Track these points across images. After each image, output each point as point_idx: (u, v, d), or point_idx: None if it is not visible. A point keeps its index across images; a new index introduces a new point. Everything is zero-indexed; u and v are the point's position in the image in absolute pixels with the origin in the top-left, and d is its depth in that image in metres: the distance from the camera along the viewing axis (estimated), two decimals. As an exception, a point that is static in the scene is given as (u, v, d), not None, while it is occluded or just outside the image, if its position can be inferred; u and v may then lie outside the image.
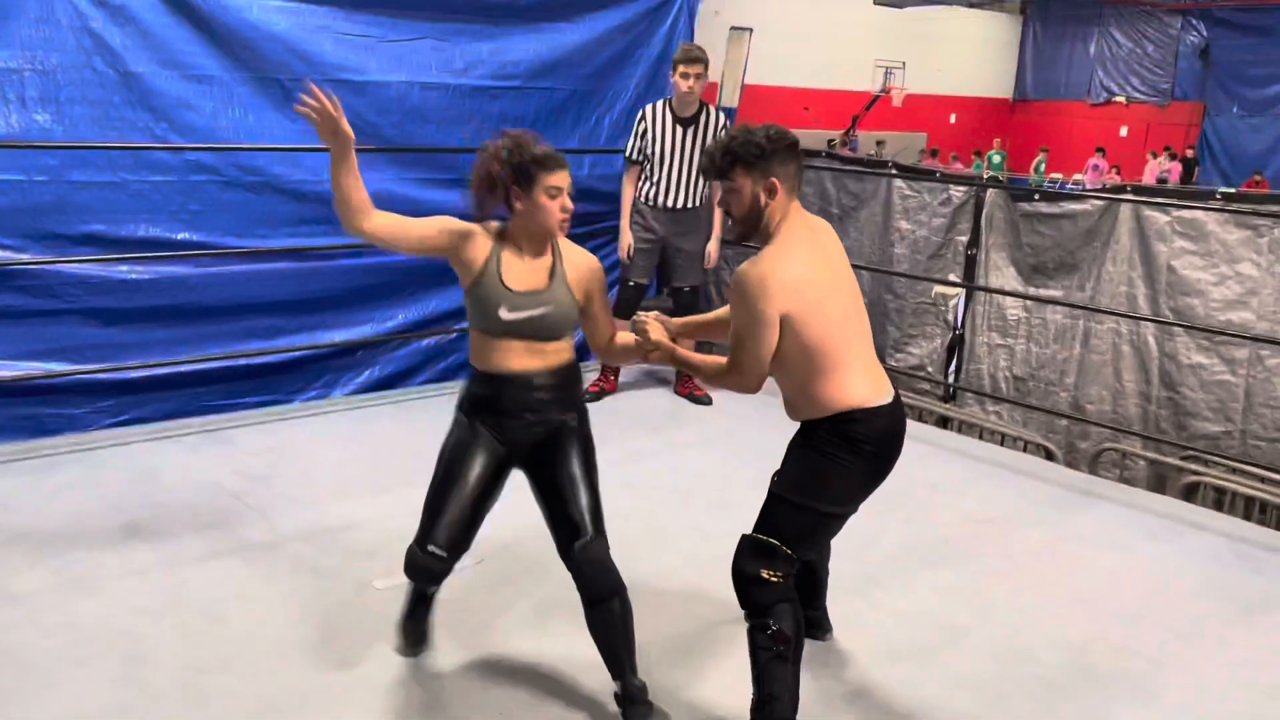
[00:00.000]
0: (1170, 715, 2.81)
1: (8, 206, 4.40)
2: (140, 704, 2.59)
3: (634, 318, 2.76)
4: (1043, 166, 21.19)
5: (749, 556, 2.52)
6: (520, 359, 2.61)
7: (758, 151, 2.48)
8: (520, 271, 2.63)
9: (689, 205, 5.16)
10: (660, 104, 5.16)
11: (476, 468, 2.62)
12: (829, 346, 2.47)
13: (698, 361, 2.72)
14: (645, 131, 5.13)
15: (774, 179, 2.49)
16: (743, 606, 2.53)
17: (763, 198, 2.50)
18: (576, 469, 2.65)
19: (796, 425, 2.65)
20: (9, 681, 2.63)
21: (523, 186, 2.60)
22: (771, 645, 2.46)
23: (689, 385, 5.32)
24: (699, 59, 4.95)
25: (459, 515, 2.59)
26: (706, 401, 5.23)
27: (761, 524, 2.56)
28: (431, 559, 2.55)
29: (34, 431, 4.53)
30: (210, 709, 2.59)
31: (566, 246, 2.74)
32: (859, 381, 2.51)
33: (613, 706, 2.64)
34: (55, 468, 4.04)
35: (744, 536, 2.57)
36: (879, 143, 22.15)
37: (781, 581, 2.49)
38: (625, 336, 2.81)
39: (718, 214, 5.26)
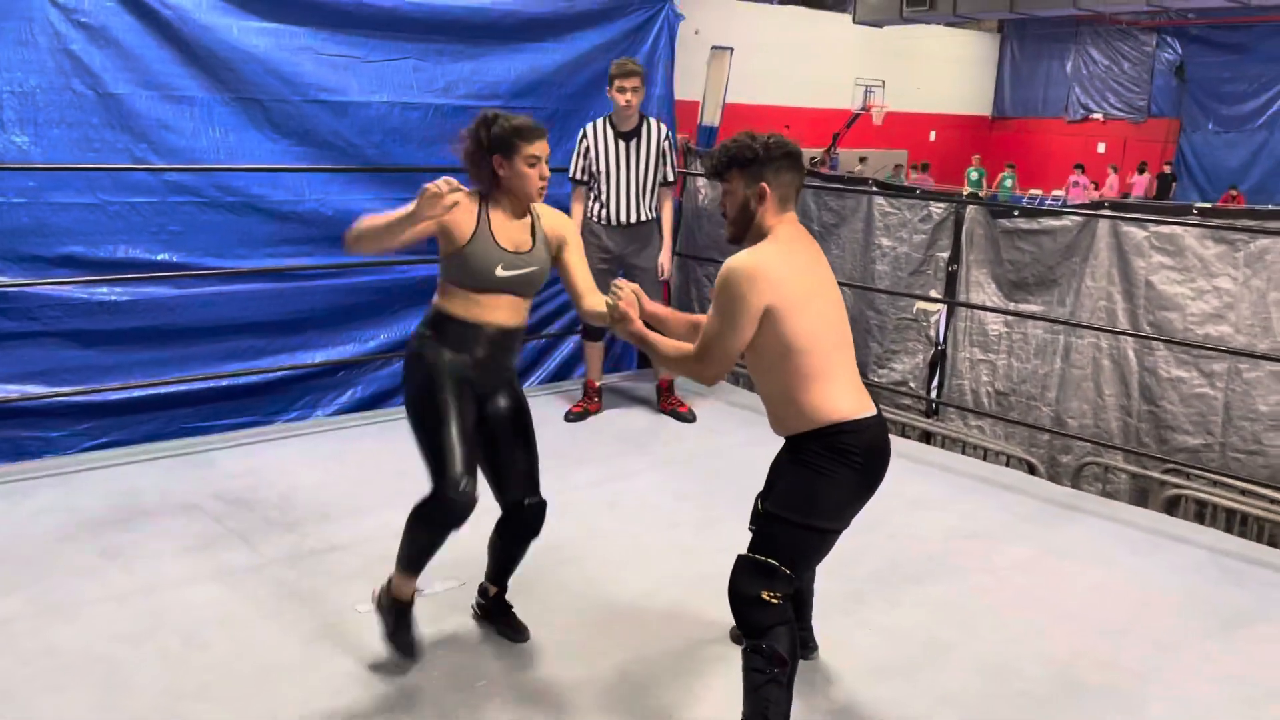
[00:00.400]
0: (1155, 729, 2.81)
1: (-15, 229, 4.37)
2: (118, 732, 2.55)
3: (612, 284, 2.81)
4: (1009, 182, 21.38)
5: (748, 577, 2.50)
6: (506, 314, 2.84)
7: (752, 156, 2.55)
8: (509, 232, 2.86)
9: (641, 219, 5.19)
10: (600, 121, 5.17)
11: (465, 404, 2.79)
12: (812, 352, 2.48)
13: (656, 341, 2.73)
14: (588, 150, 5.14)
15: (764, 184, 2.54)
16: (740, 628, 2.51)
17: (753, 202, 2.56)
18: (529, 427, 2.94)
19: (780, 441, 2.65)
20: (-16, 710, 2.60)
21: (505, 155, 2.81)
22: (767, 668, 2.44)
23: (671, 402, 5.32)
24: (634, 72, 4.96)
25: (467, 447, 2.73)
26: (690, 419, 5.23)
27: (759, 544, 2.54)
28: (463, 495, 2.69)
29: (11, 454, 4.48)
30: (190, 736, 2.55)
31: (539, 208, 2.97)
32: (843, 393, 2.52)
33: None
34: (33, 491, 4.00)
35: (741, 557, 2.55)
36: (861, 159, 22.32)
37: (780, 603, 2.48)
38: (597, 301, 2.91)
39: (667, 226, 5.31)
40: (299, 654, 2.95)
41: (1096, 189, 20.72)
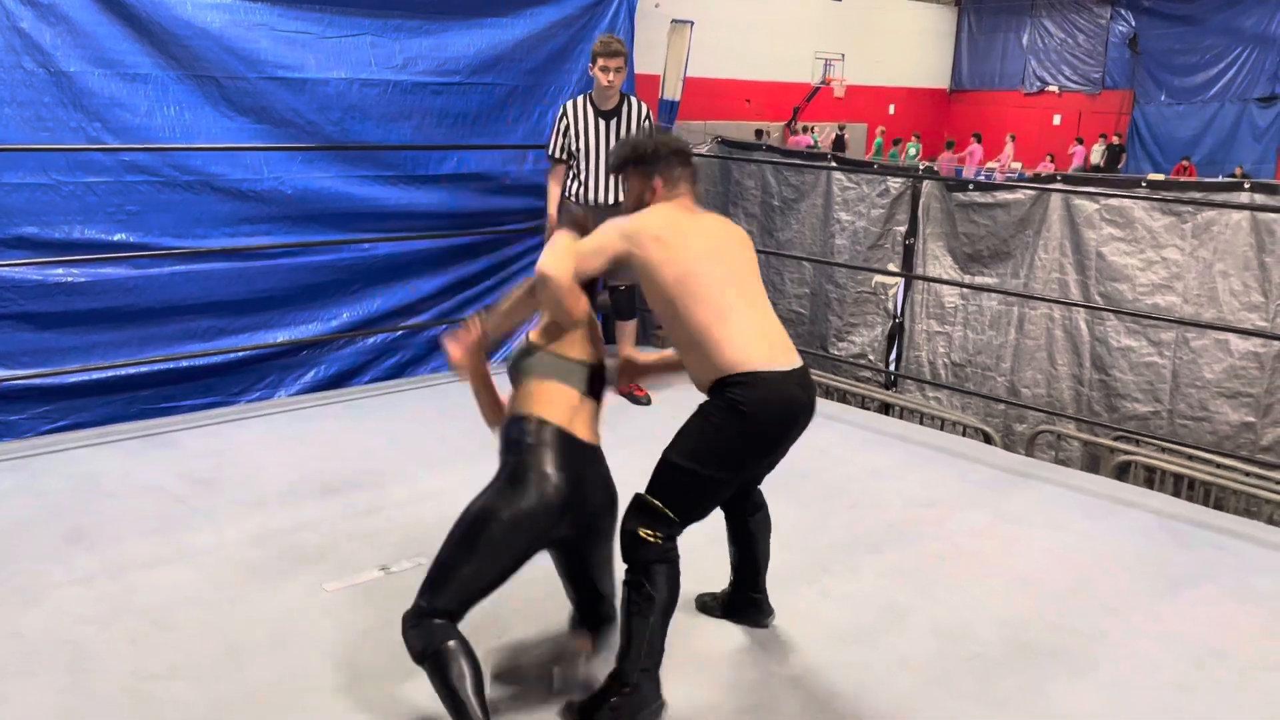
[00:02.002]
0: (1105, 687, 2.92)
1: (-64, 211, 4.30)
2: (90, 713, 2.57)
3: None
4: (913, 151, 21.71)
5: (633, 515, 2.66)
6: None
7: (645, 154, 2.84)
8: None
9: (619, 200, 5.17)
10: (581, 99, 5.11)
11: None
12: (703, 304, 2.63)
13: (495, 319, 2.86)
14: (568, 128, 5.09)
15: (657, 179, 2.81)
16: (624, 561, 2.64)
17: (647, 195, 2.83)
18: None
19: None
20: (-48, 695, 2.60)
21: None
22: (638, 602, 2.57)
23: (629, 386, 5.34)
24: (619, 52, 4.89)
25: None
26: (645, 402, 5.26)
27: (649, 485, 2.69)
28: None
29: (-31, 439, 4.44)
30: (161, 714, 2.57)
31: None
32: (741, 346, 2.63)
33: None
34: (-7, 476, 3.97)
35: (635, 495, 2.69)
36: (841, 128, 22.39)
37: (660, 542, 2.61)
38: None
39: None
40: (268, 633, 2.97)
41: (1052, 162, 20.99)
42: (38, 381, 4.65)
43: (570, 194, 5.22)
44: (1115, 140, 22.93)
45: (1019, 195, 5.48)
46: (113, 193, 4.77)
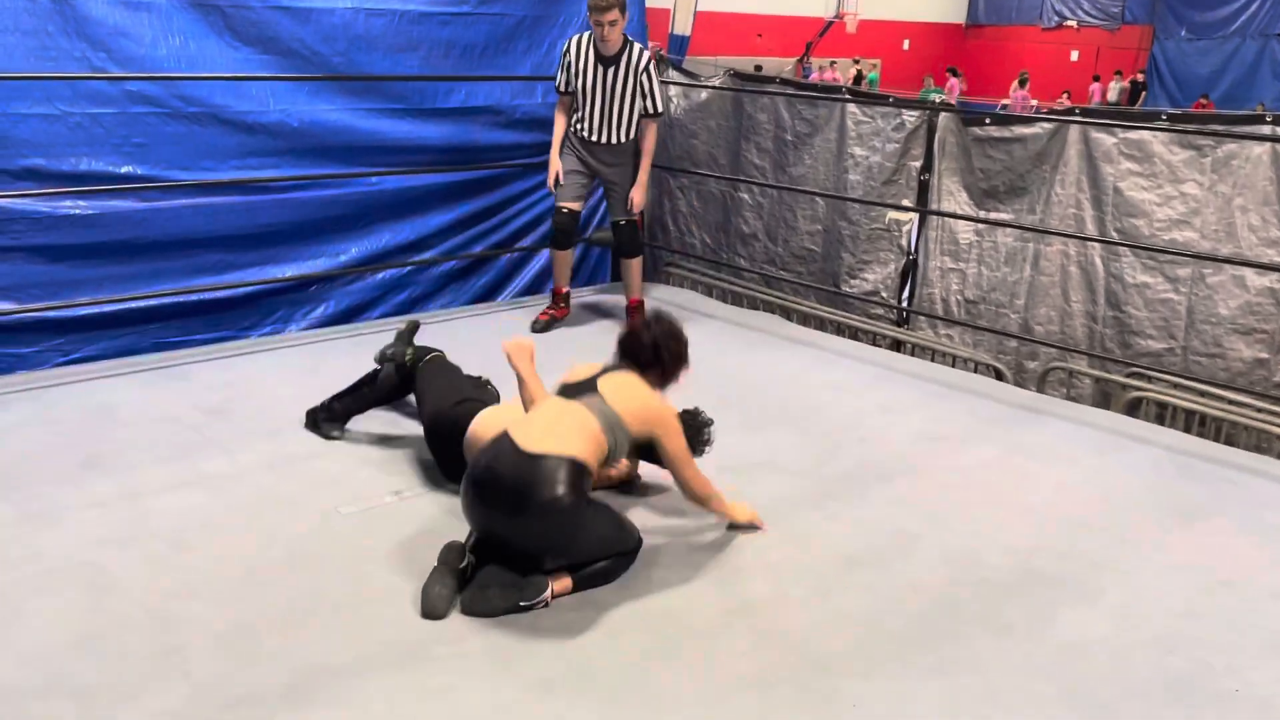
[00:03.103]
0: (1111, 613, 2.94)
1: (-58, 140, 4.28)
2: (111, 631, 2.61)
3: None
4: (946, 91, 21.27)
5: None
6: None
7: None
8: None
9: (616, 142, 5.14)
10: (586, 37, 5.03)
11: None
12: None
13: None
14: (569, 65, 5.04)
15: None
16: None
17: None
18: None
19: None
20: (-25, 613, 2.64)
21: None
22: None
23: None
24: (610, 6, 4.76)
25: None
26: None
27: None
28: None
29: (-17, 370, 4.47)
30: (181, 633, 2.61)
31: None
32: None
33: (585, 627, 2.72)
34: (6, 405, 3.99)
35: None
36: (856, 62, 21.99)
37: None
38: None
39: (645, 161, 5.19)
40: (284, 555, 3.01)
41: (1069, 99, 20.66)
42: (50, 314, 4.66)
43: (573, 127, 5.18)
44: (1138, 77, 22.52)
45: (1036, 129, 5.39)
46: (119, 124, 4.73)
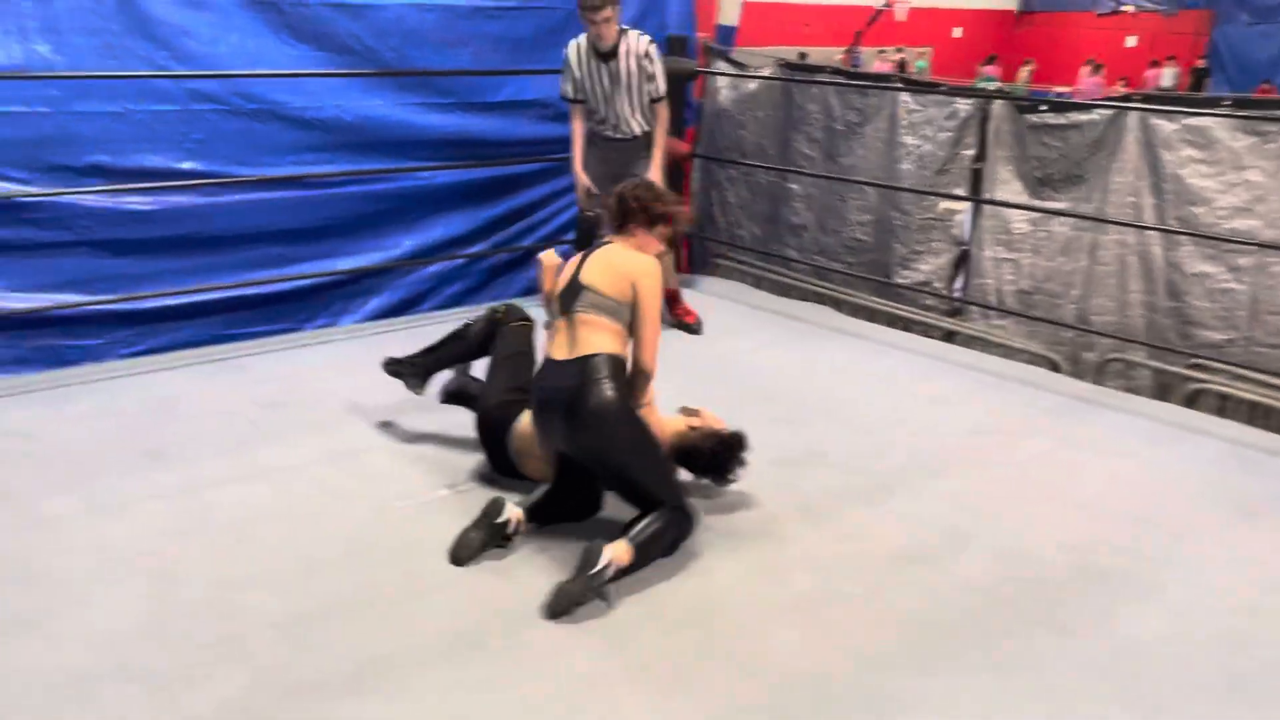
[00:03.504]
0: (1172, 610, 2.89)
1: (13, 138, 4.41)
2: (174, 617, 2.68)
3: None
4: (1028, 78, 20.74)
5: None
6: None
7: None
8: None
9: (633, 134, 5.01)
10: (582, 40, 4.90)
11: None
12: None
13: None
14: (572, 71, 4.93)
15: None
16: None
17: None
18: None
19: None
20: (45, 600, 2.73)
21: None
22: None
23: (678, 312, 5.24)
24: (602, 4, 4.64)
25: None
26: (698, 330, 5.18)
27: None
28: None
29: (52, 362, 4.60)
30: (242, 622, 2.68)
31: None
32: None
33: (635, 627, 2.74)
34: (74, 397, 4.11)
35: None
36: (899, 50, 21.62)
37: None
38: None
39: (658, 144, 5.03)
40: (341, 546, 3.06)
41: (1127, 86, 20.17)
42: (113, 307, 4.78)
43: (592, 129, 5.07)
44: (1199, 63, 21.92)
45: (1093, 116, 5.28)
46: (181, 121, 4.83)
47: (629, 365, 3.08)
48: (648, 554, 2.90)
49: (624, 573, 2.84)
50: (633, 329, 3.09)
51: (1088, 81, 20.38)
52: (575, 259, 3.21)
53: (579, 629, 2.70)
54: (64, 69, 4.44)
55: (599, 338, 3.01)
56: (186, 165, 4.87)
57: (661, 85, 4.98)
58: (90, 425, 3.85)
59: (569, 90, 5.01)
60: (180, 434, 3.79)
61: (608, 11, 4.69)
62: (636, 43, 4.87)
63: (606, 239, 3.23)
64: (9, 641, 2.56)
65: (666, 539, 2.96)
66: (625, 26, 4.89)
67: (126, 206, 4.75)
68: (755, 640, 2.69)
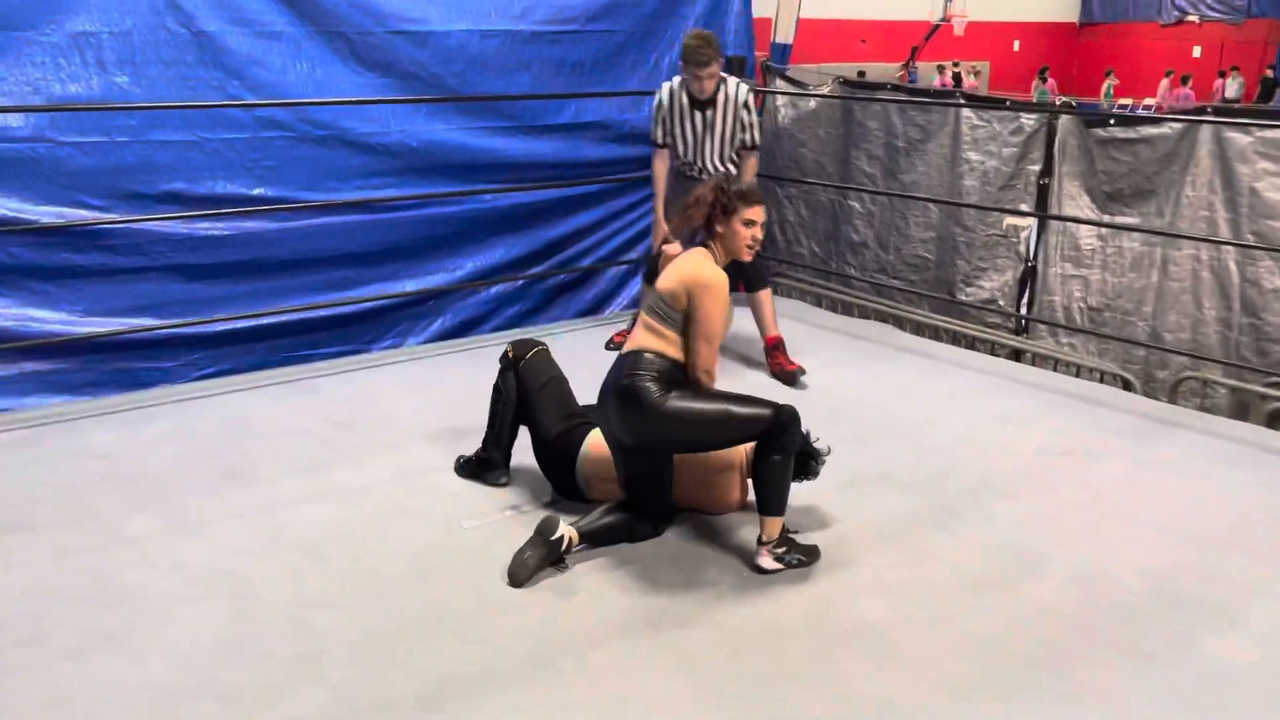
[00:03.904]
0: (1258, 638, 2.80)
1: (93, 168, 4.55)
2: (253, 636, 2.73)
3: None
4: (1111, 91, 20.34)
5: None
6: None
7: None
8: None
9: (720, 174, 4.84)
10: (677, 84, 4.77)
11: None
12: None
13: None
14: (665, 118, 4.81)
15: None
16: None
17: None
18: None
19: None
20: (131, 618, 2.79)
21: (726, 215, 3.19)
22: None
23: (779, 361, 4.78)
24: (706, 61, 4.48)
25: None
26: (795, 381, 4.68)
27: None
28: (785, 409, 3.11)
29: (129, 384, 4.72)
30: (318, 640, 2.72)
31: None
32: None
33: (688, 647, 2.72)
34: (152, 418, 4.22)
35: None
36: (975, 72, 21.39)
37: None
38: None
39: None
40: (412, 566, 3.10)
41: (1194, 97, 19.77)
42: (188, 330, 4.90)
43: (675, 169, 4.95)
44: (1269, 73, 21.40)
45: (1164, 129, 5.19)
46: (251, 148, 4.96)
47: (687, 369, 3.13)
48: (595, 541, 3.16)
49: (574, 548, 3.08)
50: (687, 338, 3.11)
51: (1174, 93, 19.89)
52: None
53: (649, 651, 2.70)
54: (141, 99, 4.58)
55: (649, 338, 3.13)
56: (257, 191, 4.99)
57: (756, 135, 4.84)
58: (167, 446, 3.94)
59: (658, 135, 4.87)
60: (254, 453, 3.87)
61: (714, 68, 4.56)
62: (735, 91, 4.73)
63: (699, 242, 3.26)
64: (94, 656, 2.63)
65: (616, 536, 3.19)
66: (724, 74, 4.76)
67: (200, 232, 4.88)
68: (824, 665, 2.66)
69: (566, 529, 3.06)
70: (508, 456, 3.66)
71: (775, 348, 4.82)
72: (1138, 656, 2.72)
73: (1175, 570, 3.14)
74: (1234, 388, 5.04)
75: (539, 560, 3.00)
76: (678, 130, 4.83)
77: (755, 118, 4.84)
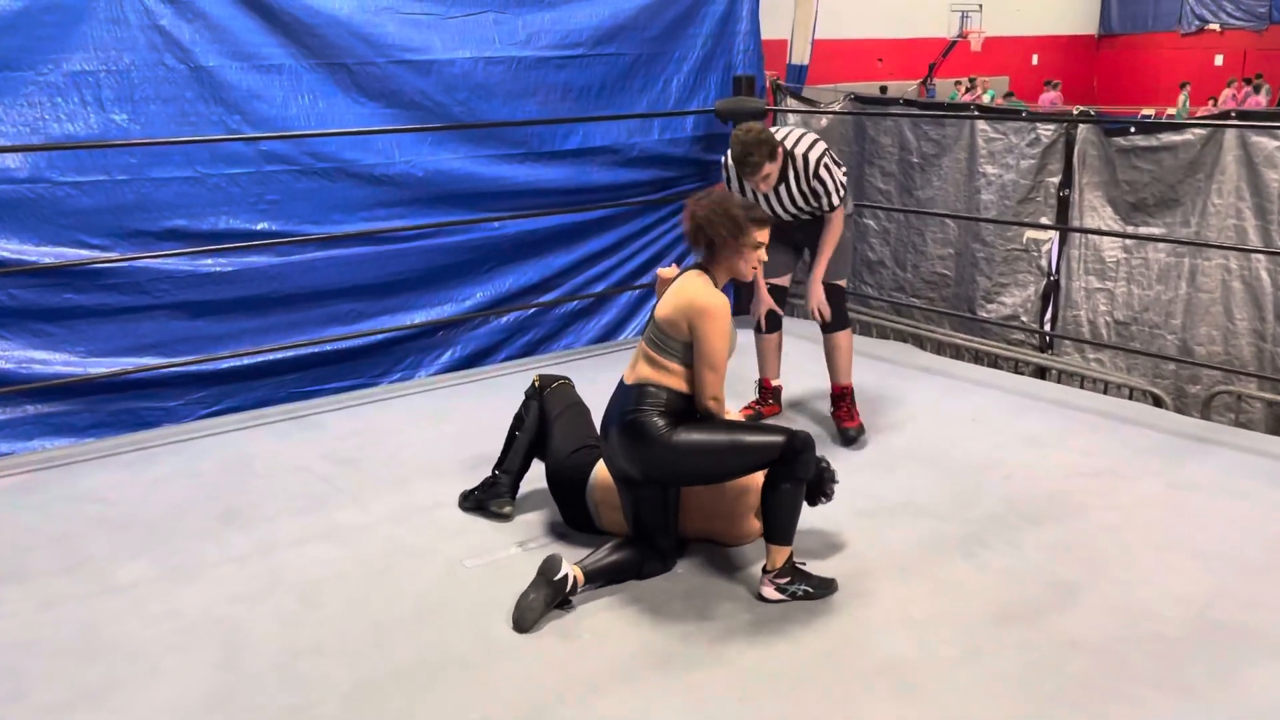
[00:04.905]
0: (1307, 671, 2.63)
1: (92, 206, 4.50)
2: (240, 690, 2.61)
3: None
4: (1186, 104, 19.70)
5: None
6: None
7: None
8: None
9: (807, 221, 4.26)
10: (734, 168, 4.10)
11: None
12: None
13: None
14: (732, 185, 4.20)
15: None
16: None
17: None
18: None
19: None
20: (113, 671, 2.69)
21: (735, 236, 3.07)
22: None
23: (841, 413, 4.30)
24: (757, 163, 3.89)
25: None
26: (854, 439, 4.20)
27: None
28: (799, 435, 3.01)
29: (133, 424, 4.65)
30: (308, 693, 2.60)
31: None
32: None
33: (701, 694, 2.58)
34: (154, 459, 4.14)
35: None
36: (971, 81, 21.21)
37: None
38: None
39: (824, 249, 4.15)
40: (411, 609, 2.98)
41: (1214, 107, 19.45)
42: (192, 368, 4.83)
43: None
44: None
45: (1188, 136, 5.03)
46: (254, 183, 4.89)
47: (695, 399, 3.05)
48: (602, 580, 3.03)
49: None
50: (693, 367, 3.00)
51: (1239, 97, 19.41)
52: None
53: (655, 696, 2.56)
54: (140, 137, 4.54)
55: (650, 371, 3.03)
56: (261, 226, 4.93)
57: (835, 199, 4.11)
58: (167, 487, 3.86)
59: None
60: (255, 493, 3.77)
61: (767, 169, 3.95)
62: (803, 164, 4.05)
63: (696, 264, 3.17)
64: (75, 714, 2.53)
65: (624, 574, 3.07)
66: (787, 144, 4.07)
67: (203, 269, 4.82)
68: (843, 708, 2.51)
69: (571, 568, 2.93)
70: (516, 485, 3.57)
71: (841, 397, 4.29)
72: (1176, 691, 2.55)
73: (1216, 598, 2.97)
74: (1270, 401, 4.85)
75: (544, 603, 2.87)
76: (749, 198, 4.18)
77: (834, 179, 4.09)
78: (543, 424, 3.55)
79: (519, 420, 3.60)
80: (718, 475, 3.05)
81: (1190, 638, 2.78)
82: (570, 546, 3.30)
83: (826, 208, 4.13)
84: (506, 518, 3.50)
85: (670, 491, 3.08)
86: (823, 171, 4.07)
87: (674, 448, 2.93)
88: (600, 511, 3.31)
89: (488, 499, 3.55)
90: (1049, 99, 20.36)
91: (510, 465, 3.56)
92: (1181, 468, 3.88)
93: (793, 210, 4.18)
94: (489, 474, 3.60)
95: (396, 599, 3.04)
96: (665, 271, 3.29)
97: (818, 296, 4.16)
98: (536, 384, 3.63)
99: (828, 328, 4.26)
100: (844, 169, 4.16)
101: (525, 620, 2.83)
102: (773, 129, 4.12)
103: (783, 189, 4.10)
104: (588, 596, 3.00)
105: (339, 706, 2.54)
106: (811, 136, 4.13)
